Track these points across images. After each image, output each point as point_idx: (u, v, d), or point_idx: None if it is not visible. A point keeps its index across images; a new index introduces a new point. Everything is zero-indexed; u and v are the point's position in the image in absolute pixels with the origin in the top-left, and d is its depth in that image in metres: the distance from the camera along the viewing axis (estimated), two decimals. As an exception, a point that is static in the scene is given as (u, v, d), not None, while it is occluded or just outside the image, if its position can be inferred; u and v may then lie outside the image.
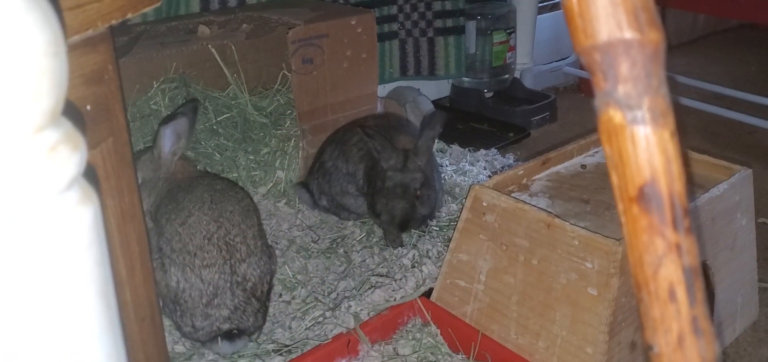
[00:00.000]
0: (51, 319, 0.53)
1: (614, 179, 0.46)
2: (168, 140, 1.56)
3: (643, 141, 0.44)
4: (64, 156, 0.50)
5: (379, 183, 1.83)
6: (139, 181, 1.55)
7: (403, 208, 1.80)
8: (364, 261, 1.81)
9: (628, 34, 0.43)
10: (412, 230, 1.91)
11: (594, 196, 1.54)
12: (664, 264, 0.45)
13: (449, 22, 2.76)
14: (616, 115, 0.44)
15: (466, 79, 2.94)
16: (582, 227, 1.31)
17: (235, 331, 1.45)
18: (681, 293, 0.45)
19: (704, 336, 0.44)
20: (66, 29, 0.68)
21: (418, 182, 1.81)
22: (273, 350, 1.49)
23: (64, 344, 0.54)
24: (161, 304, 1.50)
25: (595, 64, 0.44)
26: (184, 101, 1.97)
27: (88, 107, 0.89)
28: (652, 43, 0.43)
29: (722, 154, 1.77)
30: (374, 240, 1.91)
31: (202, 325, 1.44)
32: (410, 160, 1.80)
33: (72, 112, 0.56)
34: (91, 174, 0.56)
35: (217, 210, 1.47)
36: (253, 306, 1.47)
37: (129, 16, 0.88)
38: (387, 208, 1.82)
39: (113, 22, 0.85)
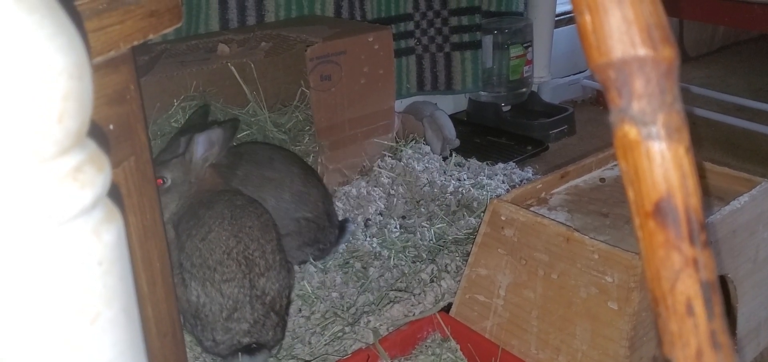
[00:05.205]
0: (76, 335, 0.54)
1: (630, 194, 0.47)
2: (201, 146, 1.58)
3: (658, 156, 0.44)
4: (90, 176, 0.51)
5: None
6: (169, 182, 1.57)
7: None
8: (382, 275, 1.81)
9: (642, 51, 0.43)
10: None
11: (613, 210, 1.53)
12: (681, 278, 0.45)
13: (466, 37, 2.77)
14: (631, 132, 0.45)
15: (483, 93, 2.94)
16: (601, 241, 1.30)
17: (255, 345, 1.46)
18: (699, 307, 0.45)
19: (723, 350, 0.44)
20: (90, 51, 0.70)
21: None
22: (293, 365, 1.50)
23: (88, 360, 0.55)
24: (182, 320, 1.51)
25: (610, 81, 0.44)
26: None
27: (111, 126, 0.90)
28: (666, 60, 0.43)
29: (743, 166, 1.75)
30: (388, 253, 1.92)
31: (223, 339, 1.45)
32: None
33: (96, 132, 0.58)
34: (115, 192, 0.57)
35: (237, 225, 1.48)
36: (272, 320, 1.48)
37: (150, 36, 0.90)
38: None
39: (135, 42, 0.87)
